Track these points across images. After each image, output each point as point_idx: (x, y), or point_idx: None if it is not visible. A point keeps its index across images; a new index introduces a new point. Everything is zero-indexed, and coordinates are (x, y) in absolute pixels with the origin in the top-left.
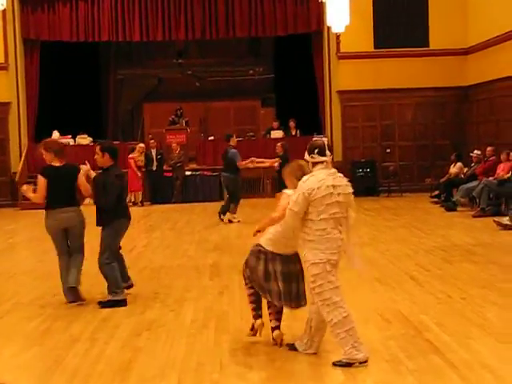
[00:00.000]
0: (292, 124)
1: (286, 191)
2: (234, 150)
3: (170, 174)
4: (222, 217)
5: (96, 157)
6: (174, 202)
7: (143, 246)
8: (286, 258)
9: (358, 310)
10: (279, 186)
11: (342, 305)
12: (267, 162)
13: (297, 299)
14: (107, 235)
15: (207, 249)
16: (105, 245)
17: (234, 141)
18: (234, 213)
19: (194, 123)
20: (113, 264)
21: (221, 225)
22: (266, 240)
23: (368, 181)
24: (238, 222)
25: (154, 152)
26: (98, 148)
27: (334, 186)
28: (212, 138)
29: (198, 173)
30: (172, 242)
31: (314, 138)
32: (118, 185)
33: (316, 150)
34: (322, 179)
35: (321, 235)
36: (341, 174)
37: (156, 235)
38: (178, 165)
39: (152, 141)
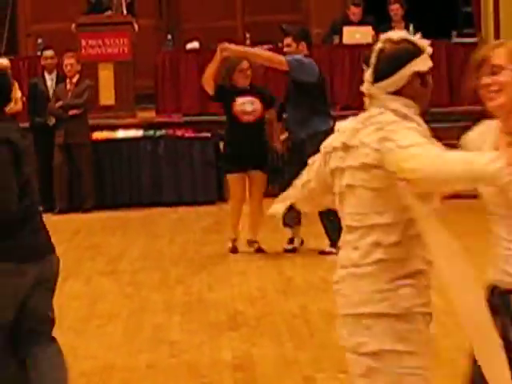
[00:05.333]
0: (397, 12)
1: None
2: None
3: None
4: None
5: None
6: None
7: None
8: None
9: None
10: None
11: None
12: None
13: None
14: None
15: (219, 324)
16: None
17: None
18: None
19: (147, 8)
20: None
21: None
22: None
23: None
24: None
25: (49, 80)
26: None
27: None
28: (195, 44)
29: (160, 133)
30: (126, 303)
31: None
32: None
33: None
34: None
35: None
36: None
37: (77, 288)
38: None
39: (46, 55)
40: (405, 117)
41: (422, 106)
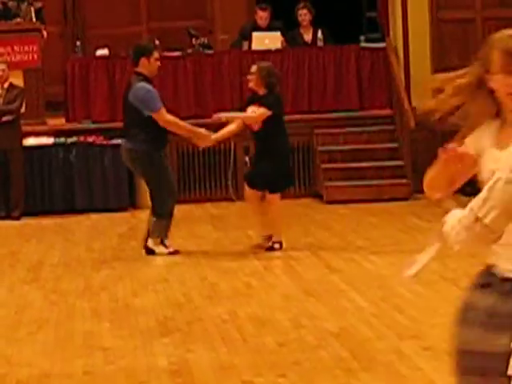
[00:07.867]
0: (305, 17)
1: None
2: (142, 86)
3: None
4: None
5: None
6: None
7: None
8: None
9: None
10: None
11: None
12: (249, 117)
13: None
14: None
15: (150, 330)
16: None
17: (148, 62)
18: (165, 235)
19: (52, 15)
20: None
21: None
22: None
23: None
24: (173, 253)
25: None
26: None
27: None
28: (105, 51)
29: (71, 140)
30: (53, 310)
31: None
32: None
33: None
34: None
35: None
36: None
37: (1, 296)
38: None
39: None
40: None
41: None
